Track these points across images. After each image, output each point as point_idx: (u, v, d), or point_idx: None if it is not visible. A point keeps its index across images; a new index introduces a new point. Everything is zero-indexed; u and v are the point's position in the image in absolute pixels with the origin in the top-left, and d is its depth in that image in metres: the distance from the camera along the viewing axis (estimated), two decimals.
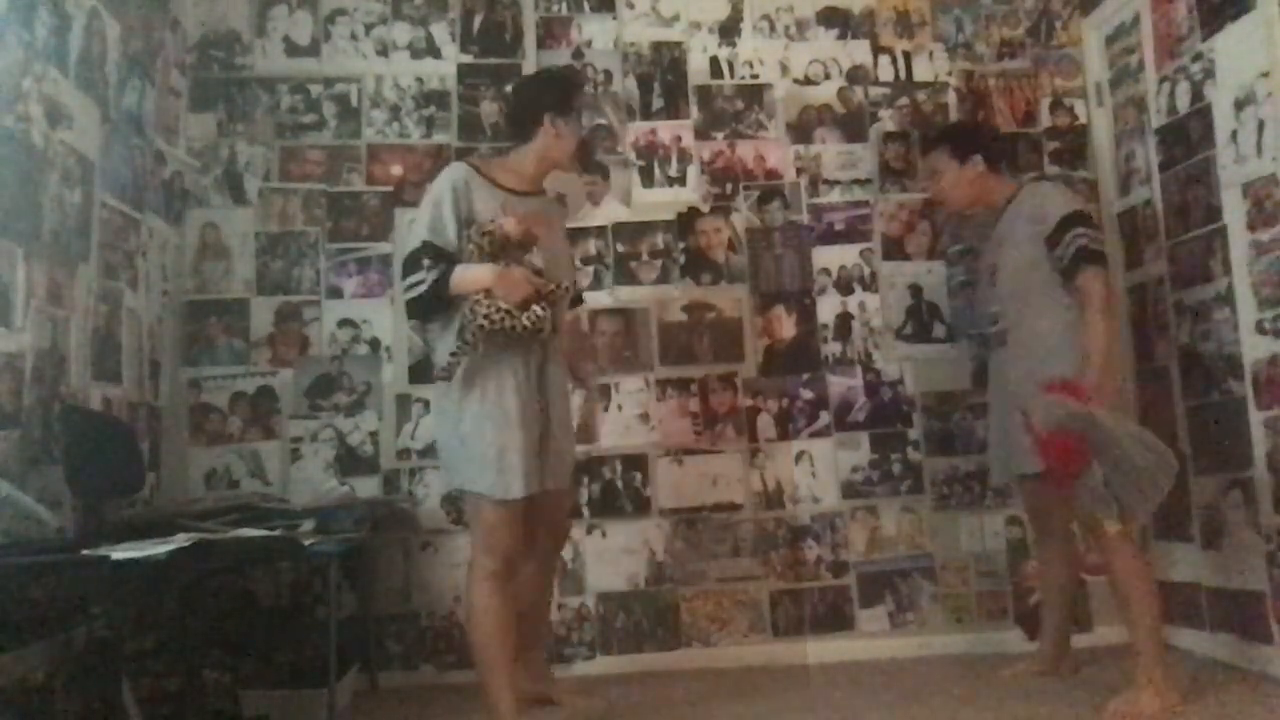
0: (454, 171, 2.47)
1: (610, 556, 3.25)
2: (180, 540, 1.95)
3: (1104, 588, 2.93)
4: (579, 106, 2.58)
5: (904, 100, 3.54)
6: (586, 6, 3.55)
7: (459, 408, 2.36)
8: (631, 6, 3.55)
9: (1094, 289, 2.55)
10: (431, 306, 2.37)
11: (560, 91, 2.56)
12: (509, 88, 3.25)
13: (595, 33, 3.53)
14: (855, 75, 3.56)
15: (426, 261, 2.32)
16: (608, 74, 3.51)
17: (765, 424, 3.34)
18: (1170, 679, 2.43)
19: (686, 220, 3.45)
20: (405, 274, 2.38)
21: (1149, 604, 2.45)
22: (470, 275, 2.30)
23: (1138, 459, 2.28)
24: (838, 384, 3.37)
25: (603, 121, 2.51)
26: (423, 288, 2.33)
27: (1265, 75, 2.61)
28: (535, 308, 2.30)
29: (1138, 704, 2.37)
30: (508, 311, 2.27)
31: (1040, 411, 2.38)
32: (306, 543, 2.39)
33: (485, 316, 2.25)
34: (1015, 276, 2.71)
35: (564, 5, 3.54)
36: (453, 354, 2.30)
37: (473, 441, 2.33)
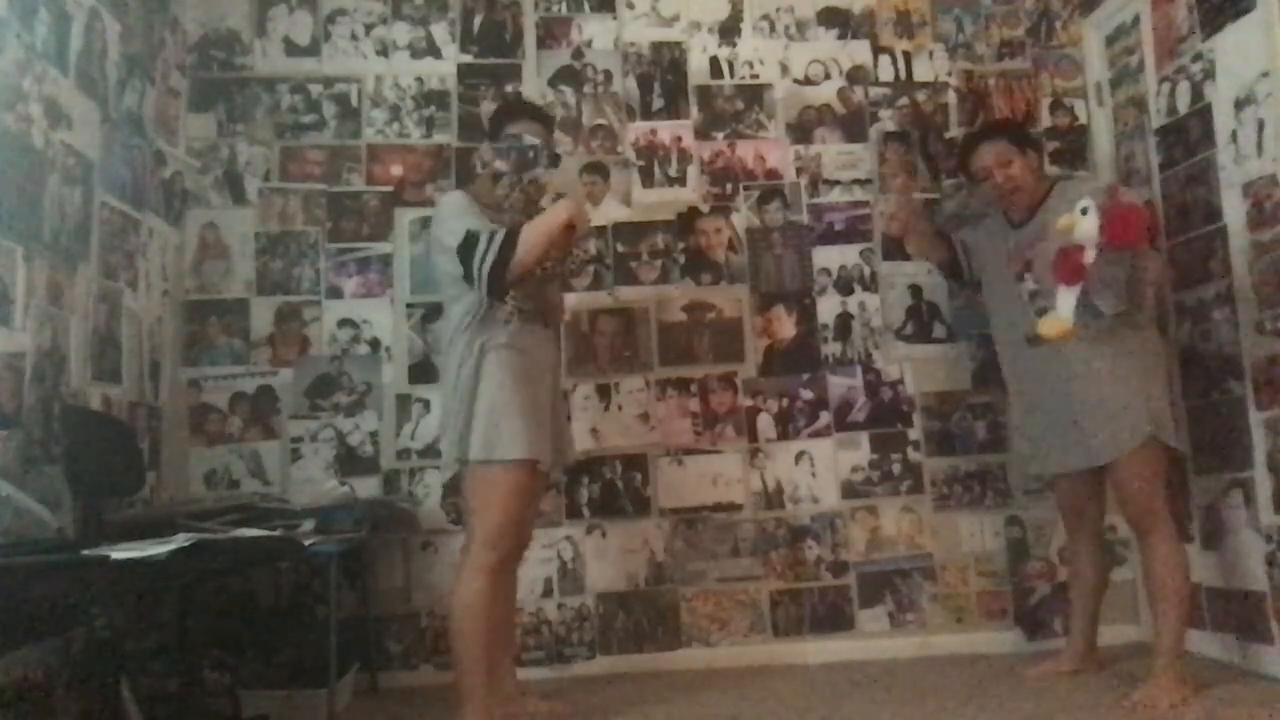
0: (456, 195, 2.56)
1: (610, 556, 3.25)
2: (180, 540, 1.94)
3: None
4: (504, 132, 2.58)
5: (904, 100, 3.54)
6: (586, 6, 3.55)
7: (485, 380, 2.39)
8: (631, 6, 3.55)
9: (1153, 262, 2.58)
10: (504, 273, 2.35)
11: (492, 120, 2.70)
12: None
13: (595, 33, 3.53)
14: (855, 75, 3.56)
15: (489, 235, 2.34)
16: (608, 74, 3.52)
17: (765, 424, 3.34)
18: (1186, 672, 2.52)
19: (686, 220, 3.45)
20: (473, 253, 2.34)
21: (1182, 600, 2.53)
22: (543, 220, 2.38)
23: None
24: (838, 384, 3.37)
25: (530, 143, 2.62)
26: (495, 250, 2.32)
27: (1265, 75, 2.61)
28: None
29: (1157, 695, 2.45)
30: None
31: (1117, 192, 2.50)
32: (306, 543, 2.39)
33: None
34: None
35: (564, 5, 3.54)
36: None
37: (499, 410, 2.36)
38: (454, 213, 2.46)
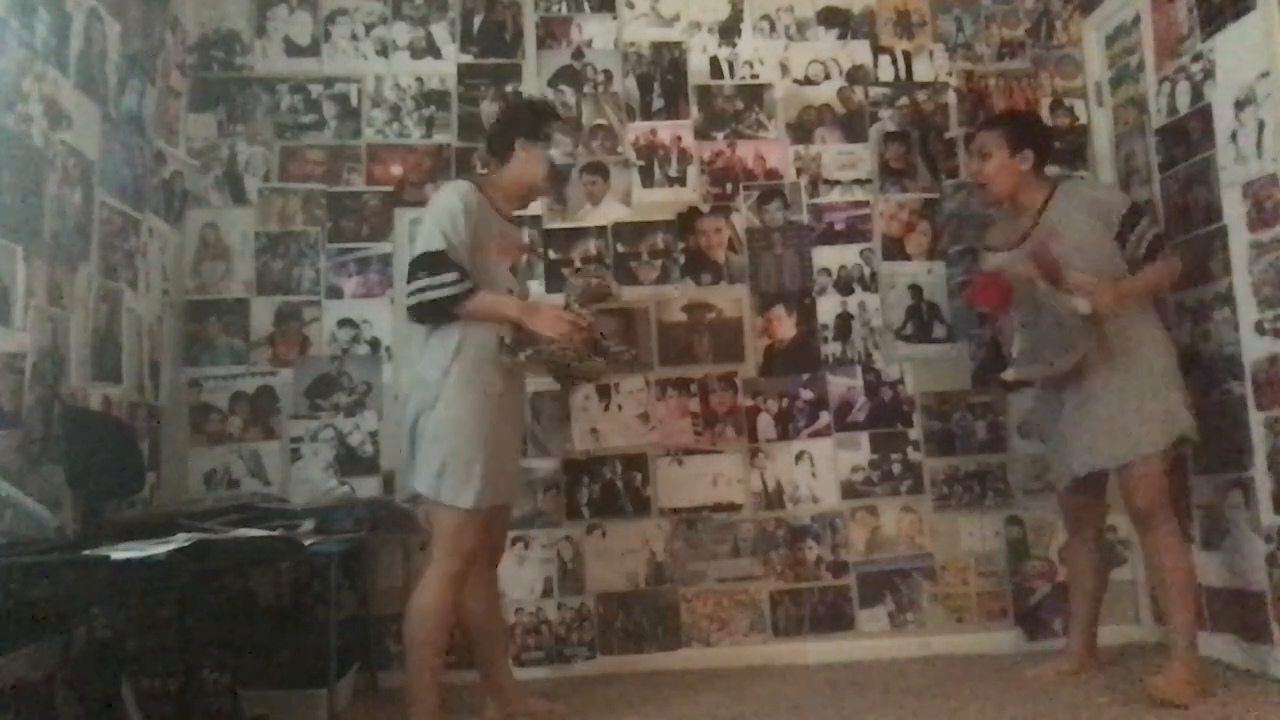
0: (464, 188, 2.51)
1: (610, 556, 3.25)
2: (180, 540, 1.95)
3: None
4: (549, 133, 2.62)
5: (904, 100, 3.54)
6: (586, 6, 3.55)
7: (439, 417, 2.38)
8: (631, 6, 3.55)
9: (1174, 265, 2.63)
10: (438, 314, 2.40)
11: (529, 119, 2.63)
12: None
13: (595, 33, 3.53)
14: (855, 75, 3.56)
15: (454, 275, 2.36)
16: (608, 74, 3.52)
17: (765, 424, 3.34)
18: (1200, 670, 2.53)
19: (686, 220, 3.45)
20: (421, 273, 2.38)
21: (1190, 597, 2.55)
22: (500, 305, 2.42)
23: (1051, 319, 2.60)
24: (838, 384, 3.37)
25: (565, 150, 2.66)
26: (444, 291, 2.36)
27: (1265, 75, 2.61)
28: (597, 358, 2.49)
29: (1175, 685, 2.45)
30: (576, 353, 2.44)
31: (994, 259, 2.81)
32: (306, 543, 2.39)
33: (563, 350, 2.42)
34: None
35: (564, 5, 3.54)
36: (521, 353, 2.41)
37: (449, 450, 2.37)
38: (445, 212, 2.43)
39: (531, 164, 2.59)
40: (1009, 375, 2.81)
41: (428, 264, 2.38)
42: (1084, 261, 2.61)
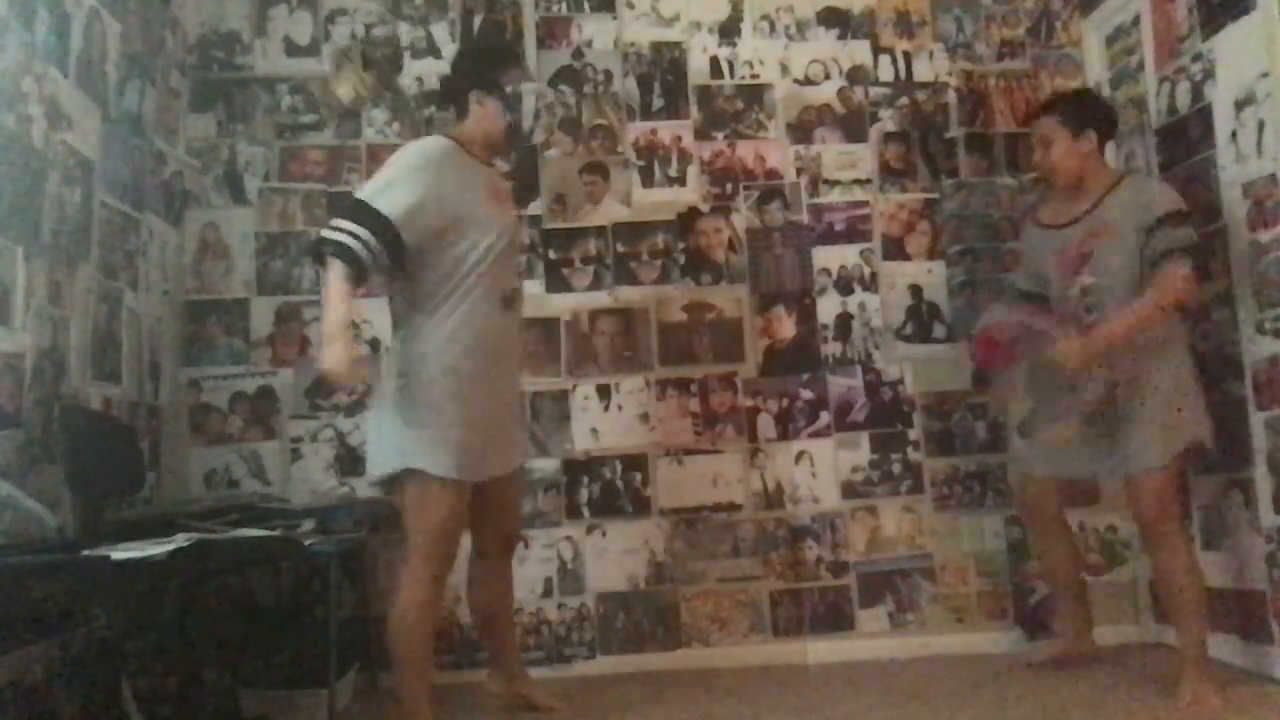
0: (431, 144, 2.39)
1: (610, 556, 3.25)
2: (180, 540, 1.95)
3: (1103, 588, 2.95)
4: (504, 82, 2.49)
5: (904, 100, 3.54)
6: (586, 6, 3.55)
7: (413, 384, 2.29)
8: (631, 6, 3.55)
9: (1173, 279, 2.50)
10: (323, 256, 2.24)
11: (482, 67, 2.51)
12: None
13: (595, 33, 3.53)
14: (855, 75, 3.56)
15: (368, 235, 2.19)
16: (608, 74, 3.51)
17: (765, 424, 3.34)
18: (1213, 677, 2.50)
19: (686, 220, 3.45)
20: (355, 218, 2.22)
21: (1198, 602, 2.52)
22: (335, 312, 2.20)
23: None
24: (838, 384, 3.37)
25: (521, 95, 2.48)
26: (345, 239, 2.19)
27: (1265, 75, 2.61)
28: None
29: (1205, 696, 2.44)
30: None
31: (998, 313, 2.84)
32: (306, 543, 2.39)
33: None
34: (1116, 272, 2.62)
35: (564, 5, 3.54)
36: None
37: (426, 417, 2.27)
38: (402, 169, 2.29)
39: (489, 118, 2.46)
40: (1022, 447, 2.93)
41: (354, 212, 2.23)
42: (1122, 263, 2.60)
